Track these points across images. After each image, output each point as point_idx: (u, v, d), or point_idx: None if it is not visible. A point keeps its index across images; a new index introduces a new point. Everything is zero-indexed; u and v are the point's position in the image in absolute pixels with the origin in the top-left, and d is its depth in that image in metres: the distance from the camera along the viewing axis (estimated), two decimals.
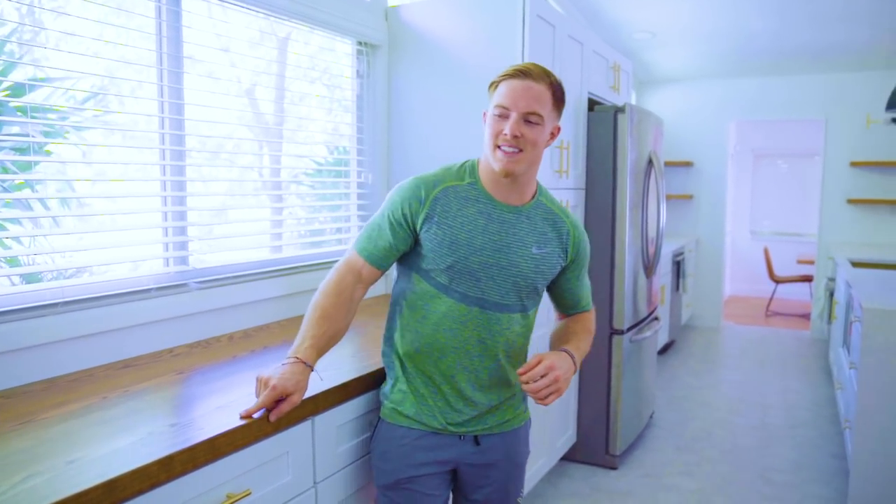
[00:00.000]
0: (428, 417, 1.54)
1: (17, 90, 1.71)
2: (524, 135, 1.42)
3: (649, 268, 3.59)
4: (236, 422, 1.29)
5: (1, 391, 1.48)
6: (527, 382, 1.41)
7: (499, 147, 1.43)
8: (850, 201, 5.89)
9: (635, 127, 3.22)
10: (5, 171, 1.71)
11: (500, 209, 1.50)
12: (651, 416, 4.05)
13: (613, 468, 3.31)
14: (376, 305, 2.57)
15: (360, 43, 2.70)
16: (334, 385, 1.54)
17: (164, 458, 1.12)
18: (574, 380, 3.29)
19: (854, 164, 5.86)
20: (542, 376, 1.40)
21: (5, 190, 1.81)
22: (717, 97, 6.47)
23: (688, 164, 6.58)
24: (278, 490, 1.39)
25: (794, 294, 8.44)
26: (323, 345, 1.44)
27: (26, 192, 1.81)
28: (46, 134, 1.83)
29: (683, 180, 6.69)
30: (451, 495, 1.68)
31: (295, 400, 1.34)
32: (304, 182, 2.62)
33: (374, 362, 1.73)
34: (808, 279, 7.19)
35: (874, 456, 2.76)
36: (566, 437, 3.23)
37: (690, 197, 6.62)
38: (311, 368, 1.39)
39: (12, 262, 1.81)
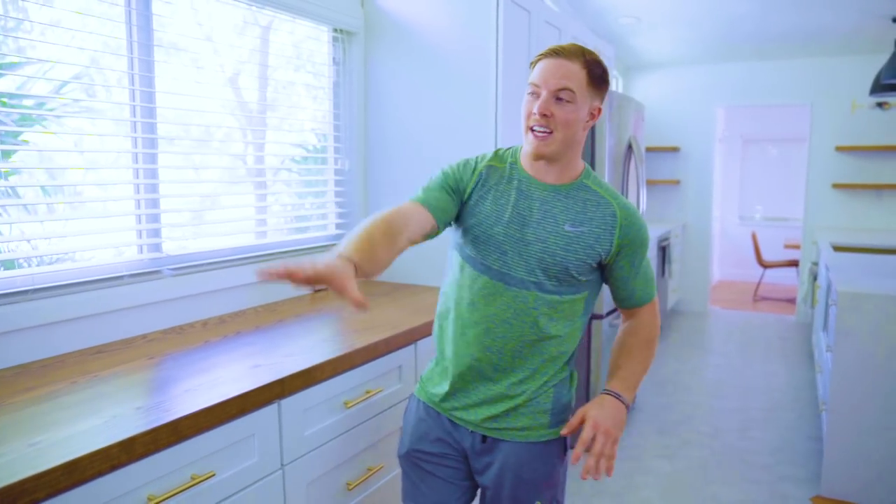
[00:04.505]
0: (434, 394, 1.57)
1: None
2: (555, 114, 1.40)
3: None
4: (201, 405, 1.32)
5: None
6: (581, 456, 1.41)
7: (532, 129, 1.44)
8: (835, 186, 5.93)
9: (614, 112, 3.25)
10: None
11: (537, 187, 1.49)
12: (633, 400, 4.10)
13: None
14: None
15: (335, 30, 2.70)
16: (301, 369, 1.56)
17: (126, 440, 1.15)
18: None
19: (839, 149, 5.90)
20: (591, 440, 1.39)
21: None
22: (704, 82, 6.49)
23: (675, 150, 6.61)
24: (244, 472, 1.42)
25: (782, 279, 8.50)
26: (360, 259, 1.30)
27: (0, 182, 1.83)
28: (22, 121, 1.84)
29: (670, 166, 6.72)
30: (469, 488, 1.62)
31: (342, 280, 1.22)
32: (282, 169, 2.64)
33: (345, 347, 1.76)
34: (794, 264, 7.25)
35: (847, 437, 2.82)
36: None
37: (677, 182, 6.65)
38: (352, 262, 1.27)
39: None
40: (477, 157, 1.58)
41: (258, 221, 2.54)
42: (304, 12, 2.47)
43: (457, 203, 1.52)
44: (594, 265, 1.48)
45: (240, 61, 2.37)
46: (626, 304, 1.57)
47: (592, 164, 3.19)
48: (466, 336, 1.50)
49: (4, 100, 1.75)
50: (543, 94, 1.41)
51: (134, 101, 1.93)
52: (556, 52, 1.42)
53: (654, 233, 5.41)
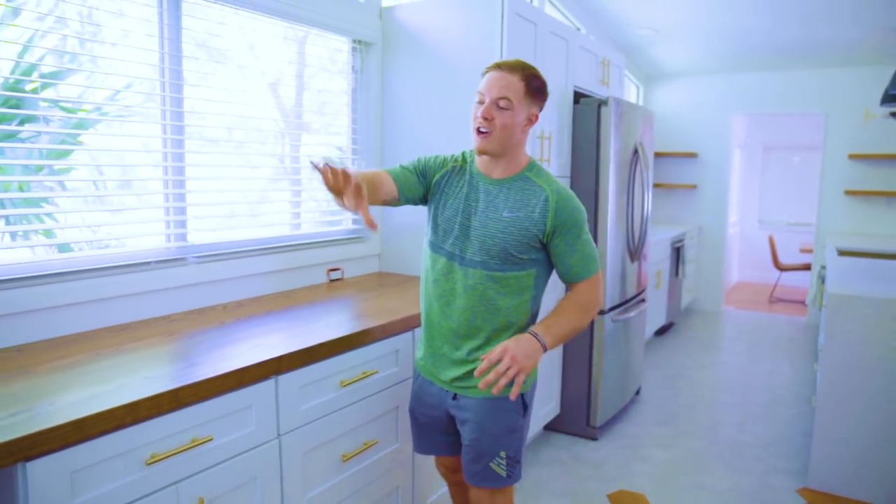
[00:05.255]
0: (420, 362, 1.81)
1: (49, 83, 1.86)
2: (495, 118, 1.57)
3: (634, 252, 3.62)
4: (202, 376, 1.41)
5: (12, 346, 1.63)
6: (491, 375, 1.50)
7: (477, 130, 1.60)
8: (848, 192, 5.79)
9: (620, 119, 3.25)
10: (49, 156, 1.86)
11: (484, 181, 1.68)
12: (638, 392, 4.10)
13: (594, 439, 3.38)
14: (366, 281, 2.68)
15: (354, 41, 2.78)
16: (297, 349, 1.64)
17: (130, 404, 1.25)
18: (558, 354, 3.36)
19: (852, 157, 5.75)
20: (498, 360, 1.50)
21: (33, 173, 1.96)
22: (720, 91, 6.40)
23: (692, 155, 6.53)
24: (243, 438, 1.51)
25: (798, 281, 8.32)
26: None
27: (60, 176, 1.97)
28: (77, 125, 1.97)
29: (688, 170, 6.64)
30: (455, 441, 1.83)
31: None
32: (300, 168, 2.73)
33: (343, 331, 1.84)
34: (809, 267, 7.08)
35: (834, 433, 2.78)
36: (549, 408, 3.31)
37: (694, 186, 6.57)
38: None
39: (48, 234, 1.97)
40: (451, 155, 1.78)
41: (293, 214, 2.65)
42: (328, 26, 2.57)
43: (422, 186, 1.73)
44: (534, 245, 1.63)
45: (269, 69, 2.46)
46: (566, 278, 1.69)
47: (596, 168, 3.21)
48: (433, 308, 1.73)
49: (65, 105, 1.89)
50: (486, 100, 1.59)
51: (164, 105, 2.04)
52: (500, 67, 1.60)
53: (667, 234, 5.37)
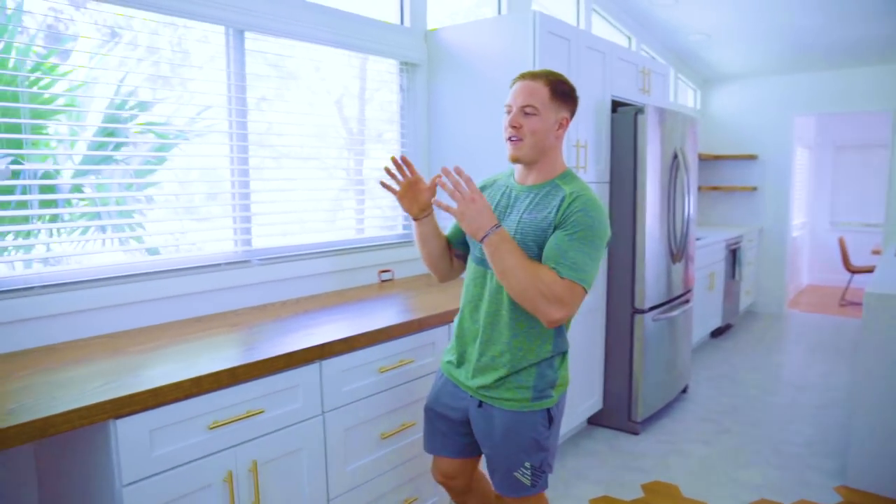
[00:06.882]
0: (447, 365, 1.85)
1: (141, 106, 2.18)
2: (523, 125, 1.62)
3: (676, 254, 3.68)
4: (255, 358, 1.65)
5: (106, 333, 1.94)
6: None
7: (508, 139, 1.65)
8: None
9: (658, 125, 3.34)
10: (139, 174, 2.19)
11: (517, 189, 1.71)
12: (685, 390, 4.13)
13: (635, 433, 3.46)
14: (414, 282, 2.89)
15: (402, 63, 3.02)
16: (338, 338, 1.87)
17: (195, 378, 1.51)
18: (600, 350, 3.47)
19: None
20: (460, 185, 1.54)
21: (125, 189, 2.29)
22: (779, 92, 6.26)
23: (752, 157, 6.42)
24: (291, 412, 1.75)
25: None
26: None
27: (150, 190, 2.30)
28: (162, 148, 2.29)
29: (747, 172, 6.52)
30: (467, 444, 1.85)
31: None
32: (351, 180, 2.99)
33: (382, 322, 2.05)
34: None
35: (873, 432, 2.77)
36: (591, 403, 3.42)
37: (754, 189, 6.45)
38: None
39: (139, 240, 2.30)
40: (486, 180, 1.88)
41: (330, 221, 2.92)
42: (379, 52, 2.83)
43: None
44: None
45: (327, 90, 2.73)
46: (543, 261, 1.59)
47: (634, 173, 3.31)
48: (464, 313, 1.79)
49: (155, 130, 2.22)
50: (514, 110, 1.64)
51: (231, 128, 2.33)
52: (523, 77, 1.66)
53: (721, 236, 5.33)
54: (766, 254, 6.52)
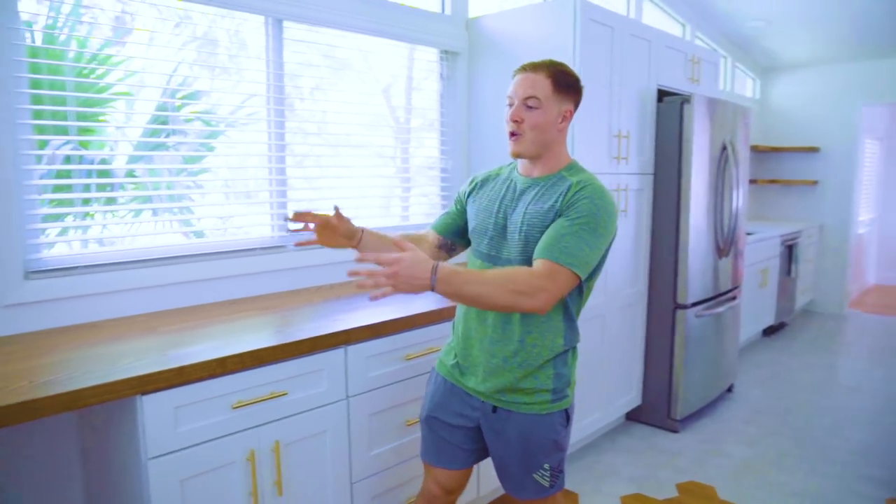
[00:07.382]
0: (450, 368, 1.72)
1: (192, 95, 2.25)
2: (525, 119, 1.56)
3: (723, 248, 3.55)
4: (281, 341, 1.69)
5: (151, 312, 2.02)
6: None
7: (510, 133, 1.60)
8: None
9: (706, 116, 3.22)
10: (191, 160, 2.26)
11: (522, 182, 1.65)
12: (730, 389, 4.00)
13: (674, 431, 3.37)
14: None
15: (443, 51, 3.00)
16: (364, 325, 1.89)
17: (220, 358, 1.55)
18: (640, 346, 3.39)
19: None
20: (384, 266, 1.37)
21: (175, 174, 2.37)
22: (844, 81, 5.93)
23: (814, 150, 6.11)
24: (315, 396, 1.78)
25: None
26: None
27: (197, 177, 2.38)
28: (210, 136, 2.35)
29: (808, 165, 6.22)
30: (474, 451, 1.75)
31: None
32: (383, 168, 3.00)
33: (405, 311, 2.06)
34: None
35: None
36: (629, 399, 3.35)
37: (815, 183, 6.15)
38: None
39: (187, 223, 2.38)
40: (479, 174, 1.82)
41: (402, 207, 2.94)
42: (420, 40, 2.82)
43: (462, 215, 1.80)
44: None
45: (375, 78, 2.75)
46: (536, 255, 1.52)
47: (679, 164, 3.20)
48: (470, 313, 1.68)
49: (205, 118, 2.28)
50: (516, 103, 1.57)
51: (270, 128, 2.38)
52: (525, 68, 1.58)
53: (776, 231, 5.12)
54: (827, 250, 6.22)
